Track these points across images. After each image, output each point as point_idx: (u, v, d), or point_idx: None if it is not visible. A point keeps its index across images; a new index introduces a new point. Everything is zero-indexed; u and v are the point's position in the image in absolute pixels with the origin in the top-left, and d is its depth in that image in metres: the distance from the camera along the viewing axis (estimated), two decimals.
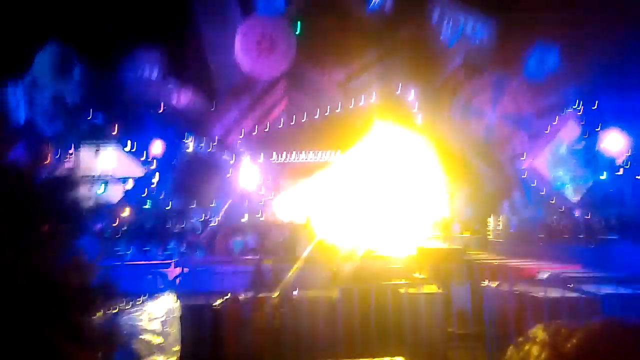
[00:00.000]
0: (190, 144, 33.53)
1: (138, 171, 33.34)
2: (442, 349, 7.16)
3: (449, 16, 36.18)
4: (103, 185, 31.26)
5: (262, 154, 34.60)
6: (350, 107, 33.49)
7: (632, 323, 1.20)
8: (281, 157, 36.15)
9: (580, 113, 35.59)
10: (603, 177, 33.54)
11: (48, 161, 31.58)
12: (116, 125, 32.58)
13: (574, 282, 7.30)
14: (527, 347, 1.22)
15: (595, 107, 34.49)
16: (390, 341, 6.82)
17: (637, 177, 32.10)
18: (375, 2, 37.60)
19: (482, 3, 31.68)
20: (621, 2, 28.25)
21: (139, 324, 4.33)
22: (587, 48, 31.48)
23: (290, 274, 8.58)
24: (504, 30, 32.80)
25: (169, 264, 10.92)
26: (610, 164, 33.07)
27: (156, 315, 4.69)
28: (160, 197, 31.83)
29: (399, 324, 7.01)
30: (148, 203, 31.16)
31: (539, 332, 1.24)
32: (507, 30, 32.72)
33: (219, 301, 6.99)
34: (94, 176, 31.59)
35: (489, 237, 19.76)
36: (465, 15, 36.05)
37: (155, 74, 36.13)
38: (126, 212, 29.60)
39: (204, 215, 28.19)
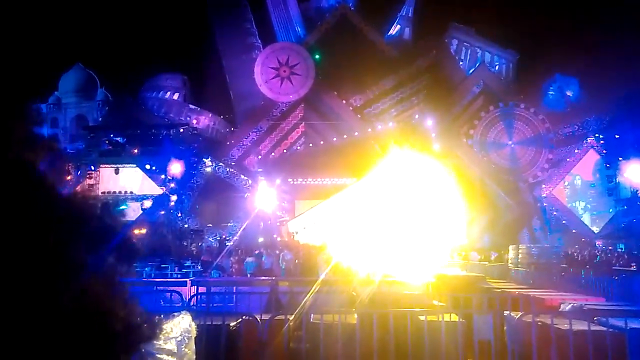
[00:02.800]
0: (208, 165, 33.89)
1: (157, 190, 33.73)
2: None
3: (468, 45, 36.32)
4: (123, 203, 31.66)
5: (279, 176, 34.77)
6: (369, 131, 33.59)
7: None
8: (298, 180, 36.28)
9: (602, 142, 35.26)
10: (624, 207, 33.00)
11: (69, 178, 32.09)
12: (137, 146, 33.18)
13: (598, 314, 7.05)
14: None
15: (618, 137, 34.14)
16: None
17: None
18: (394, 31, 38.03)
19: (501, 33, 31.89)
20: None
21: (155, 343, 4.25)
22: (608, 78, 31.34)
23: (307, 296, 8.46)
24: (524, 60, 32.87)
25: (185, 282, 10.87)
26: (632, 194, 32.53)
27: (172, 335, 4.59)
28: (178, 216, 32.11)
29: (418, 351, 6.82)
30: (166, 221, 31.41)
31: None
32: (527, 60, 32.78)
33: (234, 322, 6.88)
34: (114, 193, 32.03)
35: (509, 265, 19.37)
36: (483, 45, 36.18)
37: (176, 97, 36.81)
38: (144, 230, 29.82)
39: (220, 235, 28.34)
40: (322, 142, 35.39)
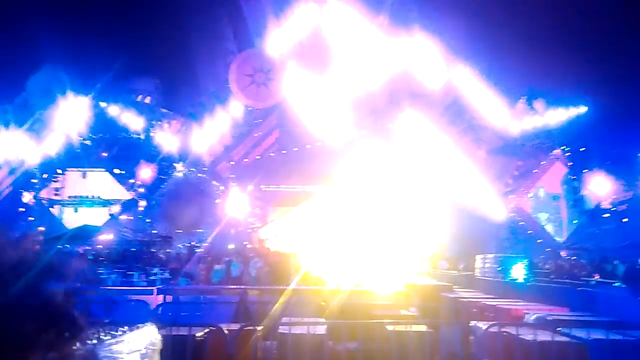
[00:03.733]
0: (179, 170, 33.46)
1: (126, 195, 33.12)
2: None
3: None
4: (88, 208, 31.01)
5: (251, 183, 34.58)
6: (341, 140, 33.69)
7: None
8: (270, 186, 36.14)
9: (568, 155, 36.26)
10: (587, 219, 34.03)
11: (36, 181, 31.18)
12: (106, 150, 32.56)
13: (561, 325, 7.20)
14: None
15: (583, 149, 35.17)
16: None
17: (623, 220, 32.56)
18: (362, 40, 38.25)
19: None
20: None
21: (118, 356, 4.14)
22: (575, 91, 32.29)
23: (276, 306, 8.40)
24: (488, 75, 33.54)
25: (152, 291, 10.65)
26: (595, 207, 33.53)
27: (136, 347, 4.47)
28: (147, 222, 31.55)
29: None
30: (133, 227, 30.83)
31: None
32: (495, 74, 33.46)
33: (201, 333, 6.78)
34: (80, 197, 31.33)
35: (476, 274, 19.65)
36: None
37: (148, 101, 36.31)
38: (110, 236, 29.18)
39: (190, 241, 27.96)
40: (295, 149, 35.36)
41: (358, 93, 33.26)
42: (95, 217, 31.40)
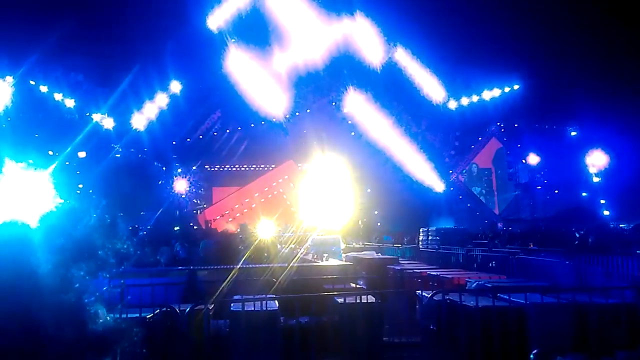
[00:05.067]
0: (119, 152, 32.25)
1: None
2: (379, 359, 7.24)
3: None
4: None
5: (195, 163, 33.92)
6: (285, 118, 33.54)
7: None
8: (215, 166, 35.61)
9: (503, 131, 37.85)
10: (521, 191, 35.88)
11: None
12: (37, 131, 30.81)
13: (501, 291, 7.61)
14: None
15: (517, 125, 36.78)
16: (328, 351, 6.82)
17: (537, 187, 34.65)
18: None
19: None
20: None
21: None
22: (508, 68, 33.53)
23: (225, 283, 8.36)
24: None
25: (97, 274, 10.33)
26: (529, 179, 35.33)
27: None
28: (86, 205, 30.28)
29: (337, 333, 7.02)
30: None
31: None
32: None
33: (151, 314, 6.69)
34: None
35: (420, 247, 20.34)
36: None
37: (79, 78, 34.49)
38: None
39: (133, 225, 27.08)
40: (239, 128, 34.92)
41: (300, 71, 33.14)
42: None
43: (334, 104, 35.44)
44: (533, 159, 34.50)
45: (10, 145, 30.74)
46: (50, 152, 29.11)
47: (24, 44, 28.28)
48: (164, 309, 6.57)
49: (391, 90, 34.91)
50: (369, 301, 7.38)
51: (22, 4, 30.28)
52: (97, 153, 31.48)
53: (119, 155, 32.15)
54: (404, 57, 34.86)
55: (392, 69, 34.57)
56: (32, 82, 30.77)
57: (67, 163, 30.48)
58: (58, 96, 31.58)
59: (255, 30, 33.28)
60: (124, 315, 6.35)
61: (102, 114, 32.62)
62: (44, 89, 31.25)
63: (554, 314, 6.67)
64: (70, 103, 31.92)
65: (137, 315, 6.35)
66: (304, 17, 32.82)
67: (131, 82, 32.14)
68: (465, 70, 34.78)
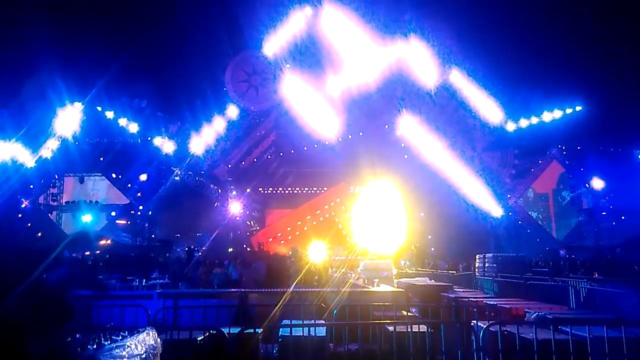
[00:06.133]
0: (177, 174, 33.42)
1: (124, 200, 33.04)
2: None
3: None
4: (88, 213, 30.90)
5: (249, 185, 34.58)
6: (338, 141, 33.70)
7: None
8: (268, 189, 36.15)
9: (565, 154, 36.37)
10: (585, 217, 34.16)
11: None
12: (103, 154, 32.47)
13: (561, 323, 7.21)
14: None
15: (579, 148, 35.28)
16: None
17: (602, 213, 32.86)
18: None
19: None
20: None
21: None
22: (570, 90, 32.36)
23: (277, 308, 8.38)
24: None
25: (151, 295, 10.63)
26: (593, 204, 33.65)
27: (136, 352, 4.47)
28: (146, 227, 31.50)
29: None
30: (132, 232, 30.73)
31: None
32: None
33: (202, 337, 6.77)
34: (77, 203, 31.26)
35: (476, 274, 19.66)
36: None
37: (143, 105, 36.17)
38: (109, 241, 29.12)
39: (189, 245, 27.91)
40: (292, 151, 35.37)
41: (354, 95, 33.34)
42: (94, 222, 31.33)
43: (387, 126, 35.31)
44: (597, 184, 32.86)
45: (81, 169, 32.56)
46: (114, 175, 30.54)
47: (92, 72, 30.06)
48: (214, 331, 6.62)
49: (446, 112, 34.48)
50: (420, 330, 7.17)
51: (89, 33, 32.32)
52: (157, 176, 32.72)
53: (177, 179, 33.26)
54: (459, 79, 34.42)
55: (447, 91, 34.19)
56: (99, 108, 32.55)
57: (129, 186, 31.87)
58: (122, 121, 33.22)
59: (310, 54, 33.92)
60: (174, 337, 6.49)
61: (162, 138, 33.98)
62: (109, 114, 32.98)
63: (619, 349, 6.23)
64: (134, 128, 33.50)
65: (188, 337, 6.45)
66: (358, 40, 33.13)
67: (190, 107, 33.42)
68: (524, 91, 33.90)
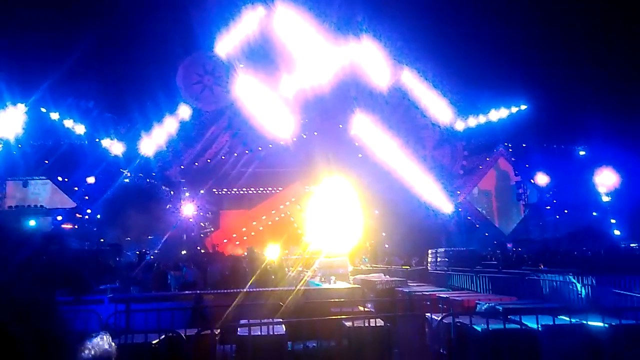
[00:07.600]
0: (127, 176, 32.45)
1: (70, 203, 31.78)
2: None
3: None
4: (31, 218, 29.56)
5: (203, 187, 34.02)
6: (293, 141, 33.68)
7: None
8: (222, 190, 35.67)
9: (511, 151, 37.71)
10: (530, 212, 35.54)
11: None
12: (48, 157, 31.13)
13: (511, 313, 7.48)
14: None
15: (525, 145, 36.65)
16: None
17: (546, 207, 34.34)
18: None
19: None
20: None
21: None
22: (515, 89, 33.59)
23: (231, 307, 8.30)
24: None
25: (102, 300, 10.32)
26: (537, 199, 35.04)
27: (89, 357, 4.32)
28: (94, 230, 30.40)
29: (345, 358, 6.92)
30: (79, 236, 29.60)
31: None
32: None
33: (157, 340, 6.63)
34: (21, 207, 29.86)
35: (429, 268, 20.11)
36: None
37: (90, 105, 34.96)
38: (55, 245, 27.92)
39: (140, 249, 27.15)
40: (247, 152, 35.07)
41: (308, 94, 33.40)
42: (38, 227, 29.99)
43: (341, 126, 35.56)
44: (542, 179, 34.28)
45: (24, 173, 31.11)
46: (60, 178, 29.38)
47: (36, 72, 28.79)
48: (170, 334, 6.50)
49: (398, 111, 35.05)
50: (377, 325, 7.28)
51: (33, 33, 30.94)
52: (105, 178, 31.68)
53: (127, 180, 32.33)
54: (410, 79, 35.08)
55: (399, 91, 34.77)
56: (44, 110, 31.22)
57: (76, 189, 30.72)
58: (68, 123, 31.98)
59: (263, 54, 33.72)
60: (129, 341, 6.32)
61: (111, 140, 32.94)
62: (54, 115, 31.69)
63: (566, 336, 6.53)
64: (80, 129, 32.32)
65: (143, 340, 6.30)
66: (311, 40, 33.21)
67: (140, 108, 32.55)
68: (473, 91, 34.91)
